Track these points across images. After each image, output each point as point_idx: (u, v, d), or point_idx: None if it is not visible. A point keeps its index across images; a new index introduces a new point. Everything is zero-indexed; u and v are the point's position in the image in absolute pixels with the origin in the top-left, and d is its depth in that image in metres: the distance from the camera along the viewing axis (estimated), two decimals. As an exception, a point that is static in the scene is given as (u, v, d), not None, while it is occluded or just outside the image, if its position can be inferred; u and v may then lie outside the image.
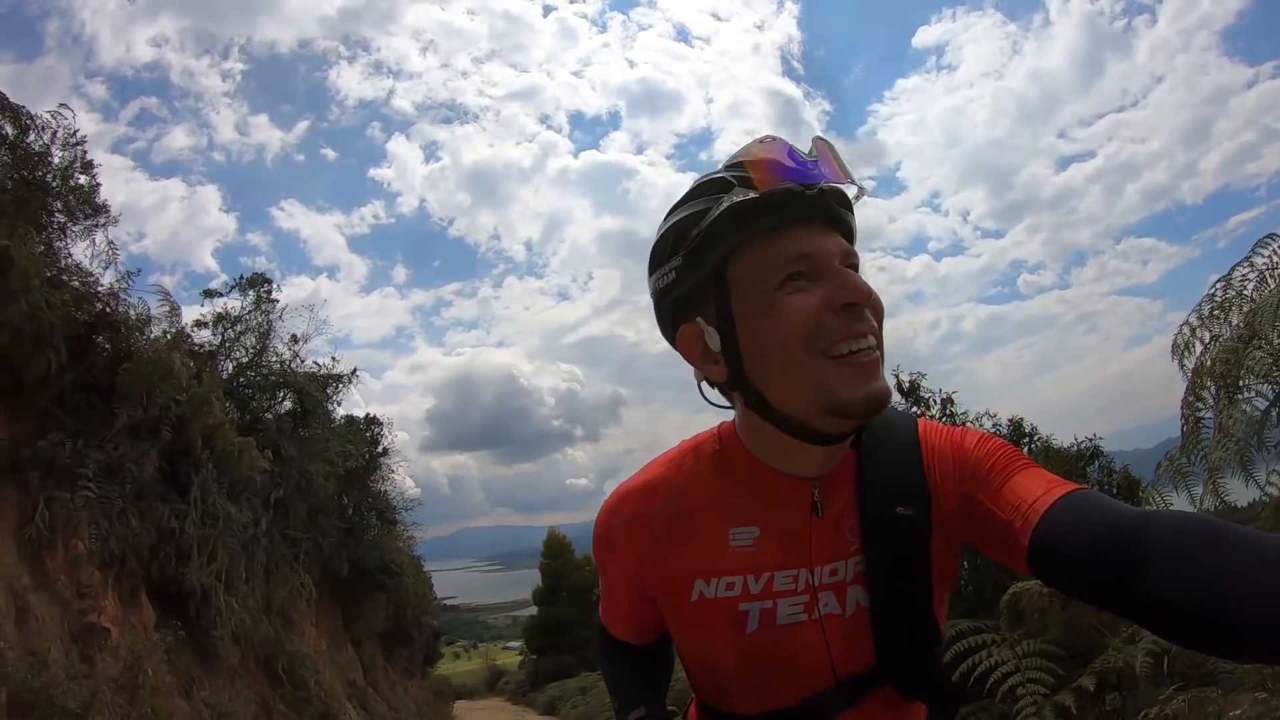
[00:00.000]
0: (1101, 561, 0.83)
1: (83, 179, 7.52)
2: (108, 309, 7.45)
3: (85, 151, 7.53)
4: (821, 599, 1.08)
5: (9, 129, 7.22)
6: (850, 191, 1.03)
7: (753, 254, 0.98)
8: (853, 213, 1.03)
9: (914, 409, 8.05)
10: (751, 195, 0.97)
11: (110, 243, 7.71)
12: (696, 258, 1.01)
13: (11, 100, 7.37)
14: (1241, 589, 0.70)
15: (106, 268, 7.66)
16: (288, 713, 10.47)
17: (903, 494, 1.06)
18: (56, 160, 7.37)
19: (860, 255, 1.02)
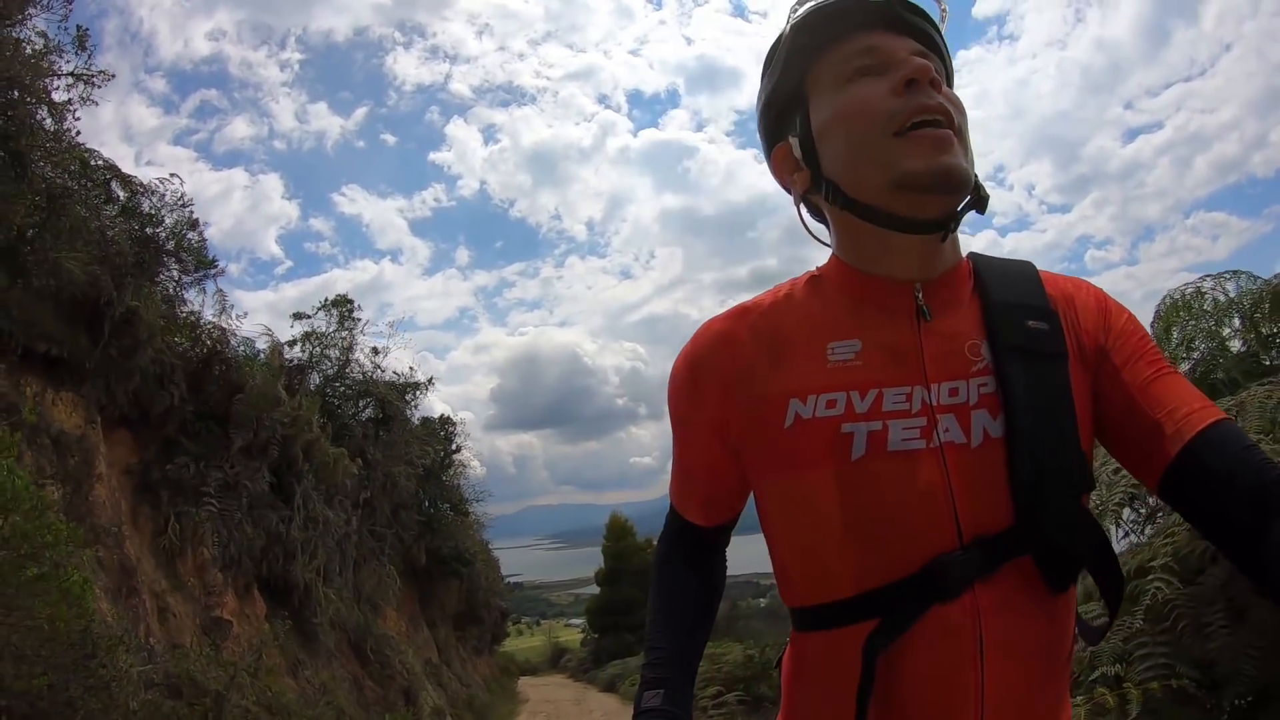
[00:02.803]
0: (1246, 505, 0.77)
1: (191, 235, 8.43)
2: (219, 347, 8.44)
3: (192, 212, 8.46)
4: (941, 422, 0.87)
5: (121, 193, 8.19)
6: (929, 9, 0.97)
7: (823, 61, 0.95)
8: (937, 29, 0.96)
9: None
10: (809, 7, 0.95)
11: (219, 289, 8.67)
12: (776, 79, 0.99)
13: (123, 170, 8.36)
14: None
15: (219, 313, 8.60)
16: (375, 689, 11.43)
17: (1032, 308, 0.92)
18: (168, 221, 8.30)
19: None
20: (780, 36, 0.99)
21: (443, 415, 18.59)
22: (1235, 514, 0.77)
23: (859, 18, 0.93)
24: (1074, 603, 0.91)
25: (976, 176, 0.91)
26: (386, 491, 13.28)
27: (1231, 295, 3.75)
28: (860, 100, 0.90)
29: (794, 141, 0.98)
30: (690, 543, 1.16)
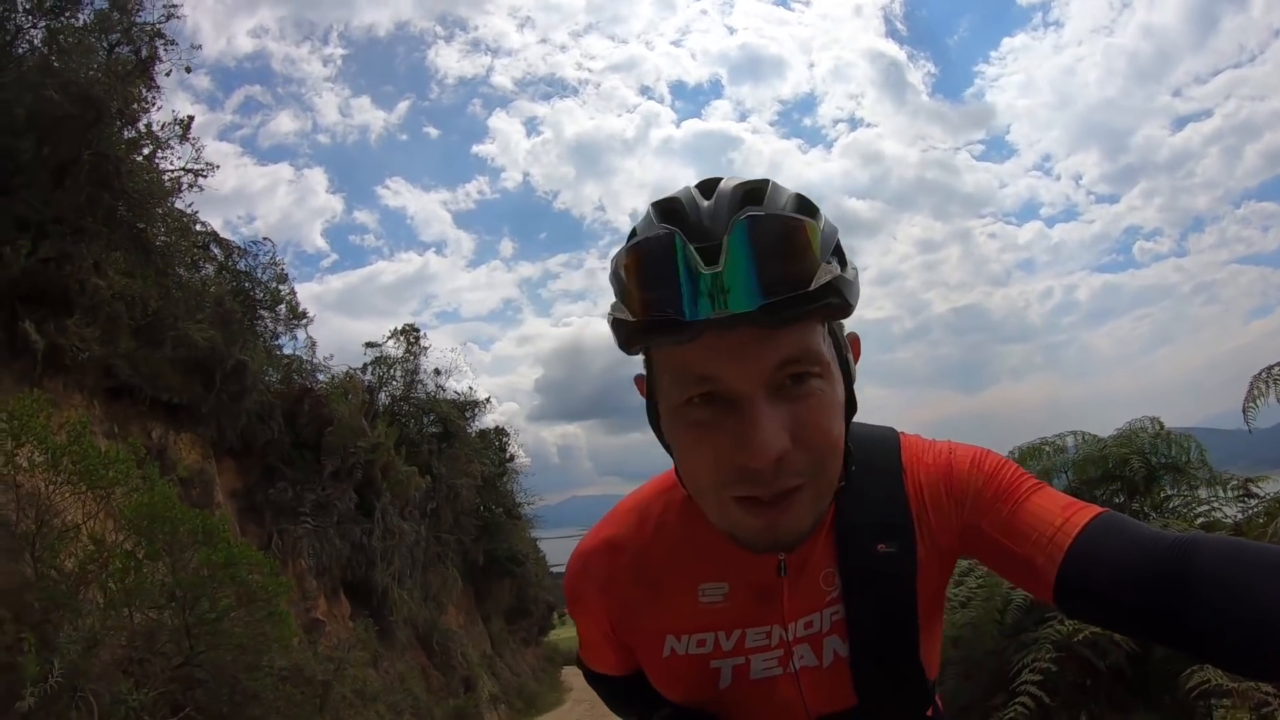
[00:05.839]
0: (1141, 591, 0.73)
1: (283, 289, 9.68)
2: (309, 385, 9.66)
3: (284, 270, 9.76)
4: (796, 652, 0.94)
5: (218, 252, 9.41)
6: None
7: (665, 355, 0.79)
8: (832, 293, 0.73)
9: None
10: (626, 317, 0.76)
11: (310, 337, 9.99)
12: (620, 338, 0.81)
13: (220, 234, 9.60)
14: None
15: (310, 354, 9.89)
16: (440, 678, 12.55)
17: (885, 528, 0.92)
18: (263, 278, 9.57)
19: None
20: (620, 279, 0.78)
21: (497, 427, 19.96)
22: (1140, 602, 0.74)
23: (686, 333, 0.73)
24: None
25: (852, 341, 0.86)
26: (450, 501, 14.57)
27: (1070, 451, 4.40)
28: (693, 459, 0.80)
29: (644, 391, 0.88)
30: (617, 681, 1.17)
